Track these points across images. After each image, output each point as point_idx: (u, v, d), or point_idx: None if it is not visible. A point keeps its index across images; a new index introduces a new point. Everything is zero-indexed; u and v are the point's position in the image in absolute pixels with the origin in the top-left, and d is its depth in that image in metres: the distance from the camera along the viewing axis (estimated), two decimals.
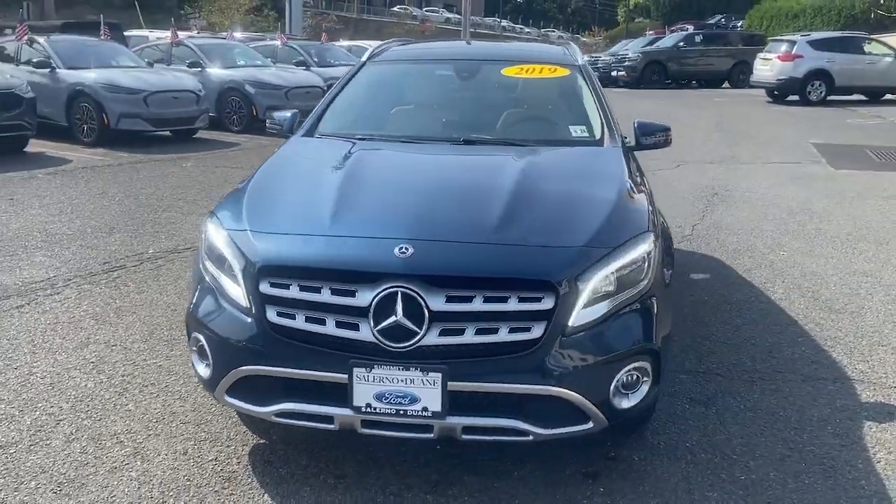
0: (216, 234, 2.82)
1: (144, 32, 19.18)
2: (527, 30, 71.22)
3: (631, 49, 27.19)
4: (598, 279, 2.59)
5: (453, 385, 2.49)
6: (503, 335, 2.50)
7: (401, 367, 2.48)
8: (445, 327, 2.48)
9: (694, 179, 9.23)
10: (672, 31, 30.10)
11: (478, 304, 2.49)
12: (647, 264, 2.73)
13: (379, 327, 2.48)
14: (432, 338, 2.47)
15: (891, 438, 3.24)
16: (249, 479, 2.84)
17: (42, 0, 32.31)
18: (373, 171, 3.37)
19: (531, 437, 2.56)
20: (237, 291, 2.67)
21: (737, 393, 3.64)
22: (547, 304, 2.51)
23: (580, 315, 2.56)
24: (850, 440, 3.23)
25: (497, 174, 3.19)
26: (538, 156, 3.51)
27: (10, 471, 2.87)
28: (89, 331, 4.24)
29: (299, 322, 2.57)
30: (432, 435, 2.57)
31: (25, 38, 12.30)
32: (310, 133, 3.88)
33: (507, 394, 2.53)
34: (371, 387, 2.51)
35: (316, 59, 16.20)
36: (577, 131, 3.77)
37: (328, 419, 2.59)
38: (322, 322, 2.55)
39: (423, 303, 2.46)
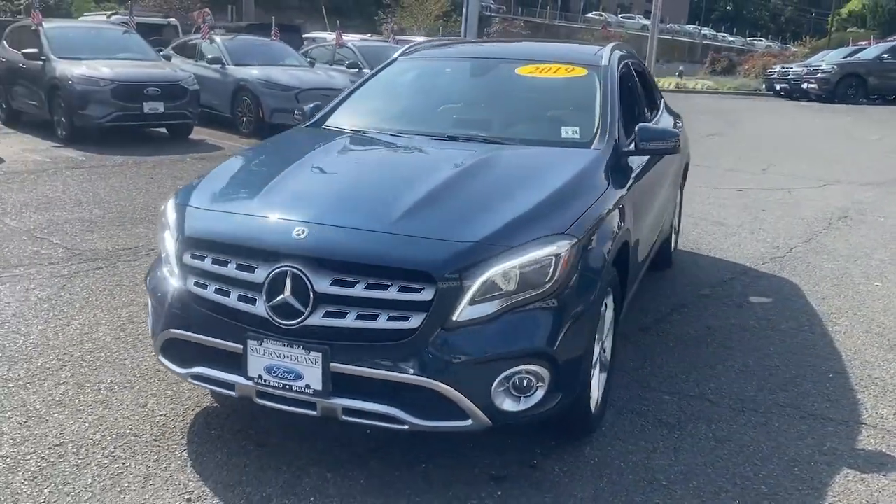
0: (168, 207, 3.09)
1: (323, 35, 20.46)
2: (730, 38, 67.63)
3: (826, 60, 25.10)
4: (488, 276, 2.55)
5: (335, 366, 2.57)
6: (382, 322, 2.54)
7: (286, 344, 2.60)
8: (329, 309, 2.57)
9: (832, 200, 8.49)
10: (879, 43, 27.40)
11: (360, 290, 2.55)
12: (552, 268, 2.64)
13: (270, 304, 2.61)
14: (317, 318, 2.57)
15: (864, 490, 2.89)
16: (181, 436, 3.07)
17: (242, 2, 35.36)
18: (325, 159, 3.51)
19: (407, 427, 2.58)
20: (171, 260, 2.91)
21: (716, 421, 3.39)
22: (426, 295, 2.52)
23: (466, 311, 2.54)
24: (812, 485, 2.92)
25: (440, 169, 3.21)
26: (502, 154, 3.47)
27: (0, 402, 3.31)
28: (138, 294, 4.70)
29: (210, 292, 2.76)
30: (316, 412, 2.66)
31: (207, 36, 13.68)
32: (316, 123, 4.07)
33: (386, 381, 2.57)
34: (262, 359, 2.65)
35: None
36: (567, 132, 3.67)
37: (230, 386, 2.76)
38: (227, 294, 2.72)
39: (309, 284, 2.56)
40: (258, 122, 12.11)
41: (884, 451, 3.20)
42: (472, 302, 2.55)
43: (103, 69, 10.63)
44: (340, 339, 2.56)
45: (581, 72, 4.08)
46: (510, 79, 4.14)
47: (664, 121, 5.03)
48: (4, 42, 12.39)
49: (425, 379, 2.52)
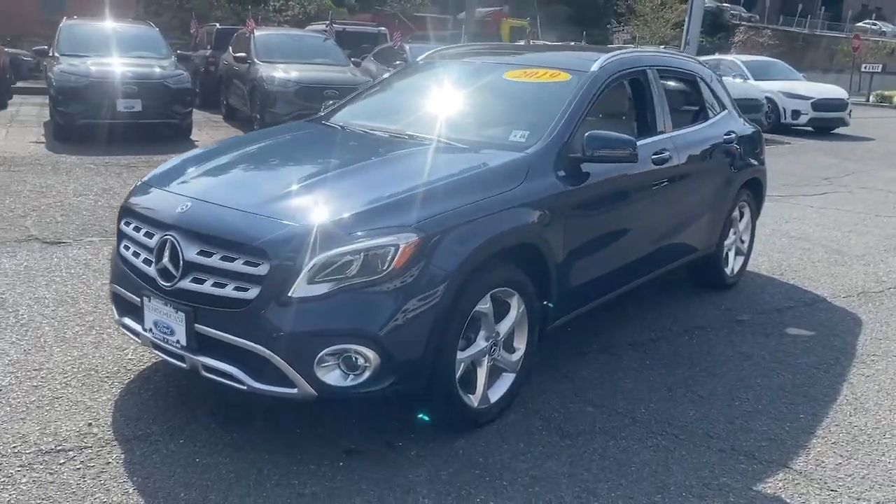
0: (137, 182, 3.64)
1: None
2: None
3: None
4: (323, 259, 2.76)
5: (198, 327, 2.94)
6: (229, 291, 2.86)
7: (164, 302, 3.01)
8: (196, 276, 2.94)
9: None
10: None
11: (216, 260, 2.89)
12: (389, 257, 2.79)
13: (156, 266, 3.05)
14: (186, 282, 2.95)
15: None
16: (113, 379, 3.60)
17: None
18: (268, 146, 3.85)
19: (245, 388, 2.88)
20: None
21: (619, 438, 3.28)
22: (262, 270, 2.79)
23: (303, 288, 2.77)
24: None
25: (348, 161, 3.46)
26: (418, 152, 3.61)
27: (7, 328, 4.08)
28: None
29: (128, 254, 3.26)
30: (185, 365, 3.05)
31: (398, 44, 14.76)
32: (321, 119, 4.44)
33: (232, 344, 2.88)
34: (151, 314, 3.09)
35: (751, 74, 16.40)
36: (516, 136, 3.69)
37: (137, 335, 3.24)
38: (137, 256, 3.20)
39: (180, 252, 2.96)
40: None
41: (781, 494, 2.92)
42: (311, 281, 2.77)
43: (293, 72, 11.87)
44: (201, 302, 2.91)
45: (564, 77, 4.06)
46: (493, 83, 4.23)
47: (705, 132, 4.79)
48: (230, 48, 14.22)
49: (254, 345, 2.80)
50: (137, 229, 3.23)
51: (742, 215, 5.40)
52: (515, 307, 3.32)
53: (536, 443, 3.21)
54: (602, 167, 3.72)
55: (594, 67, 4.06)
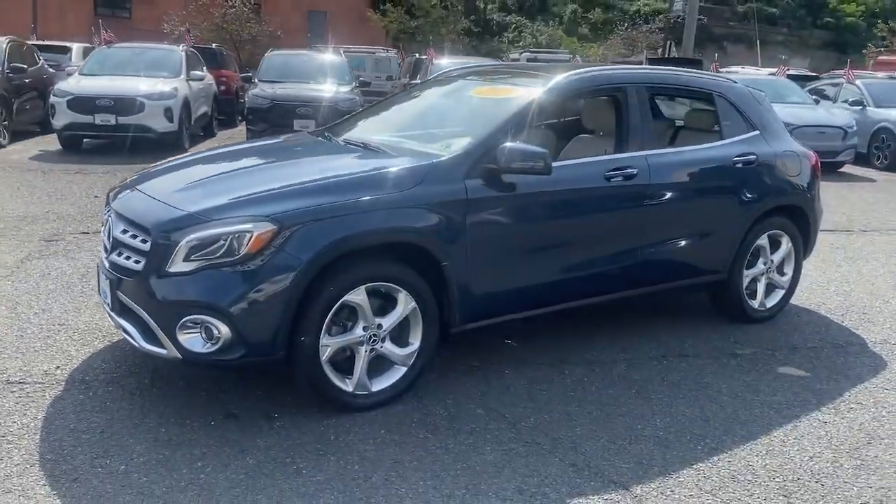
0: None
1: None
2: None
3: None
4: (190, 239, 3.23)
5: (118, 293, 3.55)
6: (130, 263, 3.43)
7: (104, 273, 3.66)
8: (119, 250, 3.55)
9: None
10: None
11: (127, 237, 3.48)
12: (244, 242, 3.18)
13: (103, 244, 3.72)
14: (114, 255, 3.58)
15: None
16: (105, 337, 4.32)
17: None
18: (230, 153, 4.36)
19: (137, 346, 3.42)
20: None
21: (479, 439, 3.36)
22: (146, 247, 3.33)
23: (178, 264, 3.25)
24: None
25: (268, 163, 3.92)
26: (341, 157, 3.96)
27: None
28: None
29: (103, 230, 3.98)
30: (115, 326, 3.67)
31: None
32: (319, 130, 4.91)
33: (131, 308, 3.45)
34: (101, 282, 3.75)
35: (872, 99, 14.60)
36: (440, 147, 3.89)
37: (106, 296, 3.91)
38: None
39: (111, 230, 3.60)
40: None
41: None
42: (185, 259, 3.25)
43: (277, 90, 12.33)
44: (119, 272, 3.52)
45: (520, 93, 4.18)
46: (460, 100, 4.44)
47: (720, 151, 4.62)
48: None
49: (138, 308, 3.34)
50: (106, 211, 3.93)
51: (778, 245, 5.01)
52: (403, 303, 3.54)
53: (398, 432, 3.39)
54: (533, 179, 3.81)
55: (550, 84, 4.14)
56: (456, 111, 4.34)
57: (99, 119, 11.24)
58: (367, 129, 4.54)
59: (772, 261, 4.99)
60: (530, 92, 4.12)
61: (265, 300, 3.22)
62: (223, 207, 3.33)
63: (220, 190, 3.53)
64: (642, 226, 4.28)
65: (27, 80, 12.82)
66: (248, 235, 3.19)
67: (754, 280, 4.97)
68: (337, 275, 3.34)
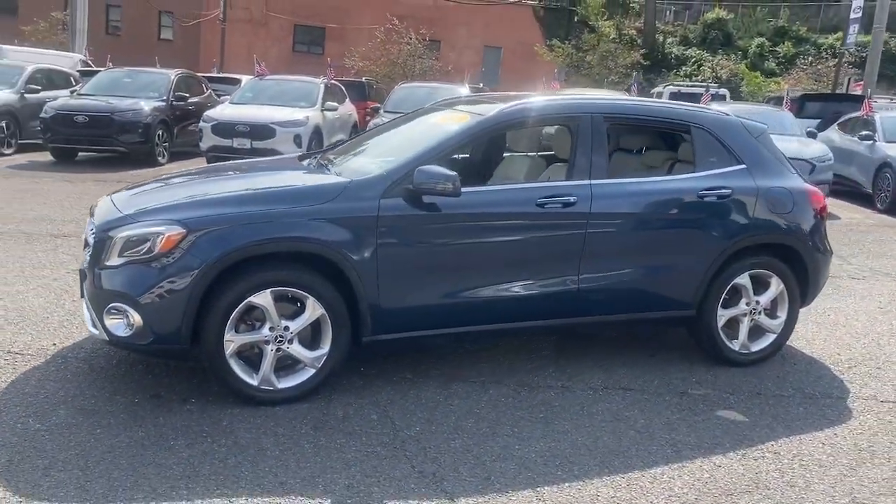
0: None
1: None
2: None
3: None
4: (118, 237, 3.76)
5: (84, 284, 4.17)
6: (87, 258, 4.03)
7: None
8: (87, 247, 4.17)
9: None
10: None
11: (90, 237, 4.09)
12: (156, 242, 3.66)
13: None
14: (86, 253, 4.20)
15: None
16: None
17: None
18: (218, 170, 4.85)
19: (89, 328, 4.00)
20: None
21: (344, 438, 3.59)
22: (92, 242, 3.92)
23: (112, 259, 3.80)
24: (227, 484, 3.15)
25: (218, 177, 4.41)
26: (281, 173, 4.37)
27: None
28: None
29: None
30: None
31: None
32: (312, 154, 5.32)
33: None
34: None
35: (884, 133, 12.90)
36: (374, 166, 4.17)
37: None
38: None
39: (89, 232, 4.24)
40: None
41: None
42: (119, 254, 3.79)
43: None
44: (86, 267, 4.13)
45: (464, 119, 4.37)
46: (423, 125, 4.68)
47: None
48: None
49: (85, 297, 3.92)
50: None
51: (766, 286, 4.75)
52: (311, 309, 3.86)
53: (285, 426, 3.69)
54: (456, 201, 4.00)
55: (491, 113, 4.31)
56: (416, 136, 4.59)
57: (237, 143, 12.52)
58: (347, 152, 4.91)
59: (757, 302, 4.73)
60: (471, 119, 4.31)
61: (170, 294, 3.66)
62: (150, 211, 3.84)
63: (159, 197, 4.06)
64: (583, 254, 4.28)
65: (190, 108, 14.50)
66: (161, 236, 3.67)
67: (736, 321, 4.74)
68: (242, 277, 3.73)
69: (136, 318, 3.69)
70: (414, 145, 4.28)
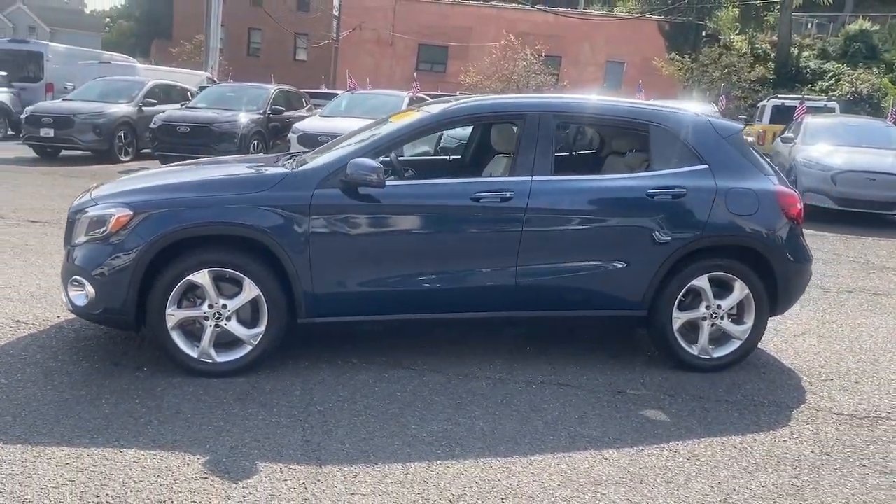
0: None
1: None
2: None
3: None
4: (82, 218, 4.22)
5: None
6: None
7: None
8: None
9: None
10: None
11: None
12: (108, 222, 4.08)
13: None
14: None
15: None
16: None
17: None
18: (199, 165, 5.23)
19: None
20: None
21: (254, 411, 3.86)
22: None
23: (79, 238, 4.23)
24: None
25: (190, 171, 4.78)
26: (238, 165, 4.69)
27: None
28: None
29: None
30: None
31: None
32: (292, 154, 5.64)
33: None
34: None
35: None
36: (320, 160, 4.44)
37: None
38: None
39: None
40: None
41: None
42: (85, 233, 4.26)
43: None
44: None
45: (412, 116, 4.56)
46: (383, 123, 4.89)
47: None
48: None
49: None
50: None
51: (729, 289, 4.60)
52: (247, 289, 4.17)
53: (210, 396, 3.97)
54: (392, 192, 4.23)
55: (435, 111, 4.48)
56: (371, 133, 4.81)
57: None
58: (322, 150, 5.19)
59: (718, 306, 4.59)
60: (417, 116, 4.49)
61: (117, 270, 4.07)
62: (108, 196, 4.29)
63: (124, 185, 4.49)
64: (519, 248, 4.34)
65: (287, 120, 15.39)
66: (112, 217, 4.09)
67: (695, 325, 4.62)
68: (183, 257, 4.09)
69: (91, 290, 4.13)
70: (361, 140, 4.51)
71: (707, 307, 4.59)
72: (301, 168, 4.35)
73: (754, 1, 38.04)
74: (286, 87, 16.58)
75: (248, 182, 4.30)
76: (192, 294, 4.19)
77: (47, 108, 15.02)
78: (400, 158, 5.22)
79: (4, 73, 19.76)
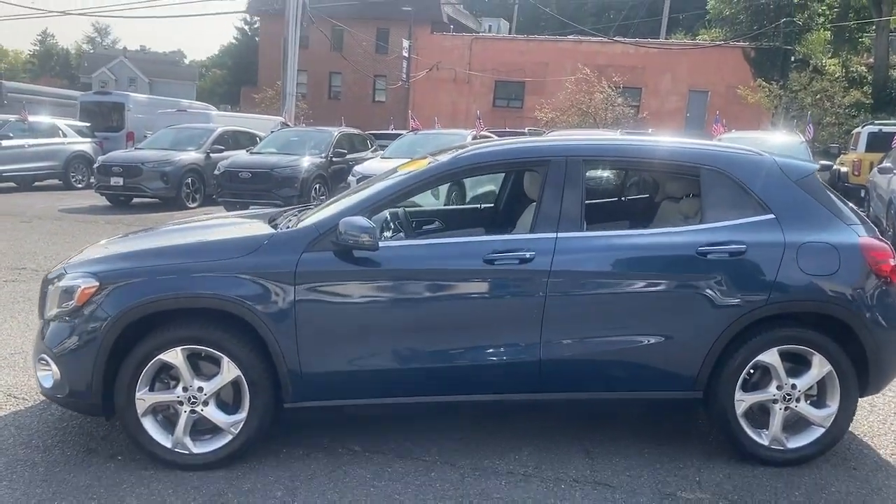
0: None
1: None
2: None
3: None
4: (51, 290, 3.79)
5: None
6: None
7: None
8: None
9: None
10: None
11: None
12: (75, 294, 3.63)
13: None
14: None
15: None
16: None
17: None
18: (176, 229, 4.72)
19: None
20: None
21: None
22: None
23: (51, 311, 3.82)
24: None
25: (167, 234, 4.35)
26: (220, 227, 4.36)
27: None
28: None
29: None
30: None
31: None
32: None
33: None
34: None
35: None
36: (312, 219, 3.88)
37: None
38: None
39: None
40: None
41: None
42: (56, 305, 3.84)
43: None
44: None
45: (420, 166, 3.96)
46: (391, 173, 4.30)
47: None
48: None
49: None
50: None
51: (807, 365, 3.77)
52: (226, 370, 3.64)
53: (176, 494, 3.44)
54: (392, 256, 3.66)
55: (443, 159, 3.88)
56: (374, 186, 4.24)
57: None
58: (322, 205, 4.63)
59: (793, 386, 3.76)
60: (424, 167, 3.90)
61: (80, 349, 3.61)
62: (77, 264, 3.85)
63: (97, 252, 4.04)
64: (542, 319, 3.66)
65: (351, 163, 15.11)
66: (78, 289, 3.64)
67: (765, 408, 3.81)
68: (152, 333, 3.59)
69: (55, 371, 3.68)
70: (359, 194, 3.95)
71: (779, 387, 3.77)
72: (289, 229, 3.81)
73: (848, 22, 36.04)
74: (350, 130, 16.38)
75: (226, 247, 3.77)
76: (167, 375, 3.68)
77: (117, 158, 15.23)
78: (414, 210, 4.63)
79: (88, 124, 20.37)
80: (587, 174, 3.89)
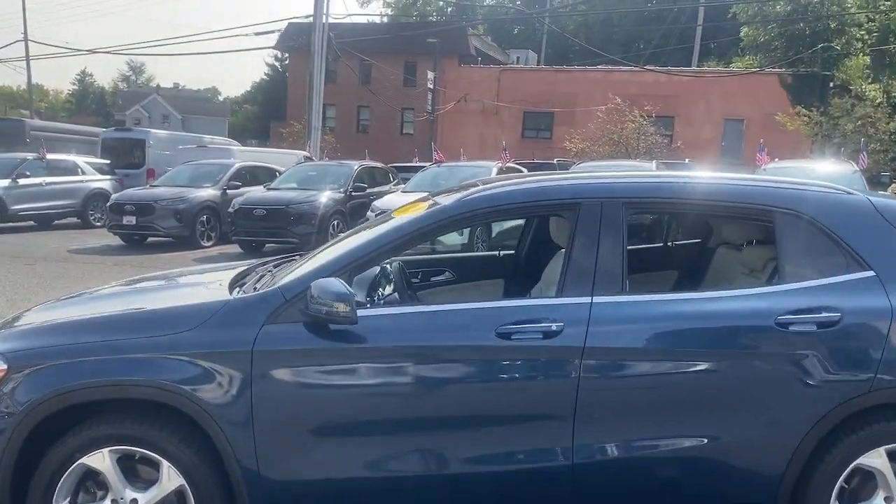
0: None
1: None
2: None
3: None
4: None
5: None
6: None
7: None
8: None
9: None
10: None
11: None
12: None
13: None
14: None
15: None
16: None
17: None
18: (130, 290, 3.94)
19: None
20: None
21: None
22: None
23: None
24: None
25: (107, 298, 3.63)
26: (183, 291, 3.55)
27: None
28: None
29: None
30: None
31: None
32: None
33: None
34: None
35: None
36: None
37: None
38: None
39: None
40: None
41: None
42: None
43: None
44: None
45: (417, 212, 3.15)
46: (384, 220, 3.49)
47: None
48: None
49: None
50: None
51: None
52: (166, 477, 2.84)
53: None
54: (385, 329, 2.86)
55: (447, 202, 3.07)
56: (361, 236, 3.44)
57: None
58: (304, 258, 3.85)
59: None
60: (418, 214, 3.09)
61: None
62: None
63: (16, 323, 3.28)
64: (574, 413, 2.80)
65: (371, 198, 14.41)
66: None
67: None
68: (72, 431, 2.82)
69: None
70: (340, 249, 3.15)
71: (888, 499, 2.86)
72: (247, 294, 3.01)
73: (888, 46, 34.86)
74: (371, 163, 15.72)
75: (168, 318, 2.97)
76: (93, 482, 2.88)
77: (130, 196, 14.69)
78: (417, 259, 3.83)
79: (108, 161, 20.01)
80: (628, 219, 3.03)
